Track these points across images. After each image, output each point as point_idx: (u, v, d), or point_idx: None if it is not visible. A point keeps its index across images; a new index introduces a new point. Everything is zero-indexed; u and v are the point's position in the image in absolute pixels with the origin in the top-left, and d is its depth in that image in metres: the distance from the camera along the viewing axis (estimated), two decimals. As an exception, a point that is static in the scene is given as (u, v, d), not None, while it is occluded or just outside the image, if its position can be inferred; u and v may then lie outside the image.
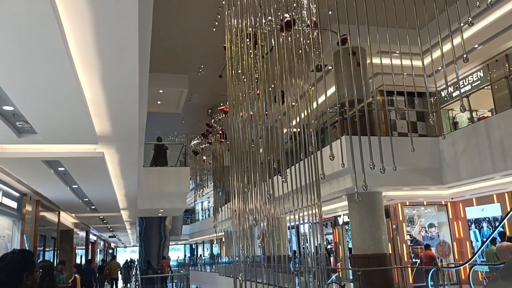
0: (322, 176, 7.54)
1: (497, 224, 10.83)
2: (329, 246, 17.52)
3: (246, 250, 10.55)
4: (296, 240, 18.59)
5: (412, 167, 9.84)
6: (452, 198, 12.89)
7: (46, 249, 13.90)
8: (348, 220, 13.24)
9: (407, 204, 13.30)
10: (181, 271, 23.97)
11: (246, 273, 10.36)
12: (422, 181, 10.10)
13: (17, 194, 9.91)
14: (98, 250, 31.95)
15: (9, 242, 10.07)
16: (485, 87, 11.18)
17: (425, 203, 13.36)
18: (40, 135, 5.67)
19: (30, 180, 9.03)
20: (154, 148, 15.46)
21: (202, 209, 39.70)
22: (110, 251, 42.44)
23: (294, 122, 10.06)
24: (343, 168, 8.47)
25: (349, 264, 15.07)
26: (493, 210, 11.73)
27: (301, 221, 9.25)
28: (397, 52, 5.28)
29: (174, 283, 22.73)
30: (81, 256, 21.54)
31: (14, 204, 9.70)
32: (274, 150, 9.87)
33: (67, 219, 16.51)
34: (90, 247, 24.94)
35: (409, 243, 13.02)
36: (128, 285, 21.54)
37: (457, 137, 9.71)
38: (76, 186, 9.86)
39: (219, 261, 26.07)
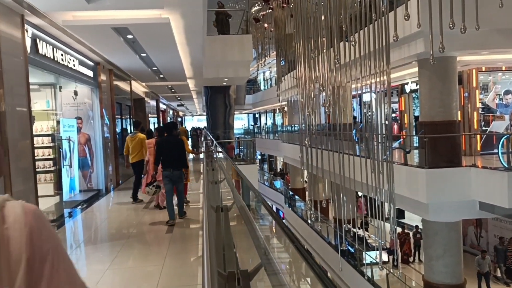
0: (394, 38, 7.13)
1: None
2: (393, 115, 17.36)
3: (311, 118, 10.73)
4: (360, 108, 18.52)
5: (495, 28, 8.97)
6: (535, 63, 11.88)
7: (123, 117, 14.95)
8: (417, 87, 12.80)
9: (483, 70, 12.47)
10: (247, 137, 25.22)
11: (311, 139, 10.71)
12: (505, 43, 9.26)
13: (91, 63, 10.40)
14: (168, 118, 33.96)
15: (90, 109, 10.89)
16: None
17: (503, 69, 12.46)
18: (107, 0, 5.67)
19: (102, 48, 9.34)
20: (216, 14, 15.14)
21: (264, 79, 39.98)
22: (179, 119, 44.98)
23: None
24: (418, 29, 7.93)
25: (414, 132, 15.00)
26: None
27: (368, 89, 9.09)
28: None
29: (240, 149, 24.11)
30: (154, 123, 23.09)
31: (90, 73, 10.25)
32: (342, 12, 9.32)
33: (138, 88, 17.36)
34: (160, 115, 26.52)
35: (480, 111, 12.54)
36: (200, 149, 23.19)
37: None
38: (144, 55, 10.12)
39: (283, 129, 26.98)
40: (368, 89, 9.13)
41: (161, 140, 7.83)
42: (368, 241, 13.10)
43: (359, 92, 10.91)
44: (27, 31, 6.43)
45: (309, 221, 14.76)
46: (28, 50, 6.47)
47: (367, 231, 15.50)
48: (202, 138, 22.67)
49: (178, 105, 34.79)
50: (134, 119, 16.41)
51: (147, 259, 5.81)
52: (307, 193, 22.36)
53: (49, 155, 8.68)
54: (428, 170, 8.91)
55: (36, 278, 0.93)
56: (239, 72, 15.80)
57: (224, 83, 18.69)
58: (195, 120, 54.67)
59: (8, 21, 5.78)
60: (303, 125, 11.25)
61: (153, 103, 22.99)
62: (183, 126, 30.15)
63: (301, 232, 17.60)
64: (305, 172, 12.33)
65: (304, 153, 11.03)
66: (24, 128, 6.21)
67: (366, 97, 11.97)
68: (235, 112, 26.18)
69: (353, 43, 8.11)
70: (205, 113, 27.64)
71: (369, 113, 10.10)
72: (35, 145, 6.97)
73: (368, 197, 9.08)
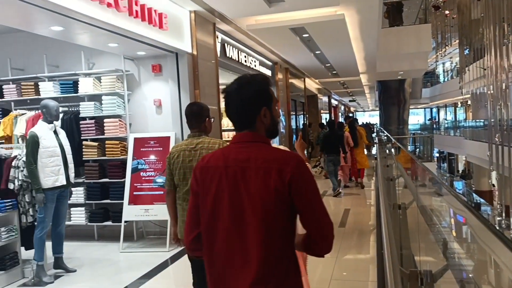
0: None
1: None
2: None
3: (502, 112, 9.51)
4: None
5: None
6: None
7: (297, 113, 15.59)
8: None
9: None
10: (423, 133, 23.68)
11: (502, 136, 9.47)
12: None
13: (269, 63, 11.09)
14: (340, 114, 34.05)
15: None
16: None
17: None
18: (287, 3, 5.98)
19: (280, 49, 9.89)
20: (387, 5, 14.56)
21: (443, 71, 36.85)
22: (350, 115, 44.66)
23: None
24: None
25: None
26: None
27: None
28: None
29: (415, 146, 22.78)
30: (326, 119, 23.43)
31: (268, 72, 10.94)
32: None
33: (311, 85, 17.84)
34: (332, 111, 26.77)
35: None
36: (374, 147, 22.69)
37: None
38: (319, 52, 10.35)
39: (465, 124, 24.54)
40: None
41: (327, 133, 10.17)
42: None
43: None
44: (217, 37, 7.21)
45: (498, 228, 13.12)
46: (218, 54, 7.25)
47: None
48: (374, 134, 22.10)
49: (349, 101, 34.58)
50: (307, 114, 16.97)
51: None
52: (495, 196, 19.90)
53: (233, 147, 9.57)
54: None
55: None
56: (416, 64, 14.92)
57: (399, 77, 17.87)
58: (367, 115, 53.56)
59: (204, 30, 6.58)
60: (492, 120, 10.06)
61: (325, 99, 23.34)
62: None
63: (486, 240, 15.76)
64: (493, 173, 11.00)
65: (493, 151, 9.87)
66: (216, 124, 7.01)
67: None
68: (410, 107, 24.80)
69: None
70: (377, 108, 26.86)
71: None
72: (223, 139, 7.80)
73: None
